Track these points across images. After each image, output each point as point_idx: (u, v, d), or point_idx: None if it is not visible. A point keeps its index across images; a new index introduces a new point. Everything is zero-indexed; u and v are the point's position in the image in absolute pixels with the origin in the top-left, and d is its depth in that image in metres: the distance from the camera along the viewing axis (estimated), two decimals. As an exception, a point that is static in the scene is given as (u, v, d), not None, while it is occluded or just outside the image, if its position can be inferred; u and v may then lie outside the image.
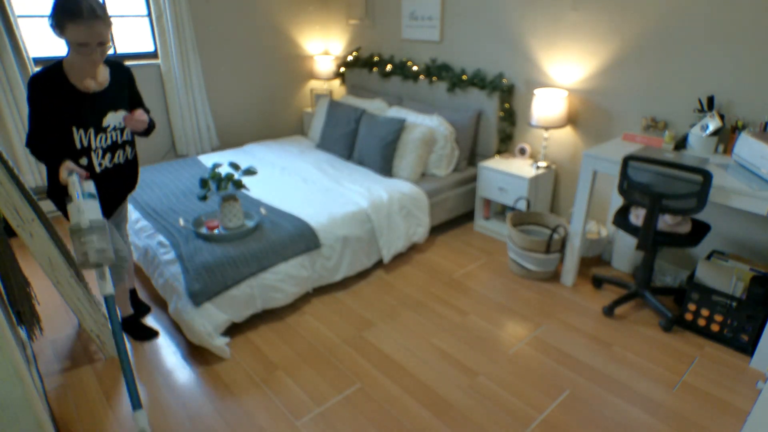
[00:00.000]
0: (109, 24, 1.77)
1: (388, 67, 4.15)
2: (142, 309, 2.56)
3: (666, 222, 2.35)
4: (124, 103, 2.02)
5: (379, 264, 3.07)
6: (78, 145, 1.90)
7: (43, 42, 3.47)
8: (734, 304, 2.26)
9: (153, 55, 3.93)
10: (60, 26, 1.70)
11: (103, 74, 1.94)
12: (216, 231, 2.51)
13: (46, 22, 1.66)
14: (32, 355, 2.17)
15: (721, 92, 2.47)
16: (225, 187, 2.45)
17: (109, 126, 1.96)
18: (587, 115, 3.06)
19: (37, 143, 1.82)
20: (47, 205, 3.61)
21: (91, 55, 1.77)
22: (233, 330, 2.43)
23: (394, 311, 2.61)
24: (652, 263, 2.52)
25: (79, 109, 1.86)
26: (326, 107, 4.10)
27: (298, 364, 2.22)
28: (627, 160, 2.26)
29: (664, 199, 2.18)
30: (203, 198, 2.44)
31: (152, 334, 2.39)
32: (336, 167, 3.53)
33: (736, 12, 2.33)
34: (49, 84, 1.80)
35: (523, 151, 3.43)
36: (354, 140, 3.69)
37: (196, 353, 2.28)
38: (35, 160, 3.43)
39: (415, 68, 3.93)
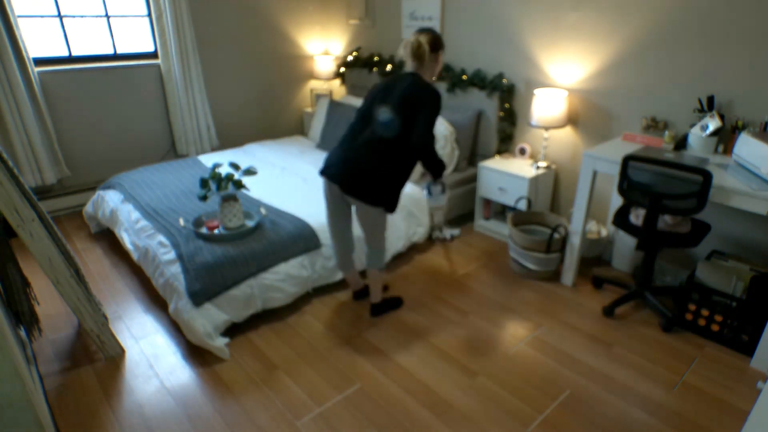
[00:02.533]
0: None
1: (388, 67, 4.15)
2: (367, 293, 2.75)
3: (666, 222, 2.35)
4: None
5: (379, 264, 3.07)
6: None
7: (43, 42, 3.48)
8: (734, 304, 2.26)
9: (153, 55, 3.93)
10: (443, 49, 2.26)
11: None
12: (216, 231, 2.51)
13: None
14: (32, 355, 2.18)
15: (721, 92, 2.47)
16: (225, 187, 2.45)
17: None
18: (587, 115, 3.06)
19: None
20: (47, 205, 3.62)
21: None
22: (233, 330, 2.43)
23: (394, 311, 2.60)
24: (652, 263, 2.52)
25: None
26: (326, 107, 4.10)
27: (298, 364, 2.22)
28: (627, 160, 2.26)
29: (664, 199, 2.18)
30: (203, 198, 2.44)
31: (400, 301, 2.64)
32: (336, 167, 3.52)
33: (736, 12, 2.33)
34: None
35: (523, 151, 3.43)
36: (354, 140, 3.68)
37: (196, 353, 2.28)
38: (35, 159, 3.43)
39: (415, 68, 3.93)
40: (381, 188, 2.16)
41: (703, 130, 2.42)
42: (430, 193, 2.43)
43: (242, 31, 4.31)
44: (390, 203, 2.22)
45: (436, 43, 2.19)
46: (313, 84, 5.00)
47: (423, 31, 2.19)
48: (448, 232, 3.41)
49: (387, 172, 2.15)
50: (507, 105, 3.42)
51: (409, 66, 2.22)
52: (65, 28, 3.50)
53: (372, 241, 2.36)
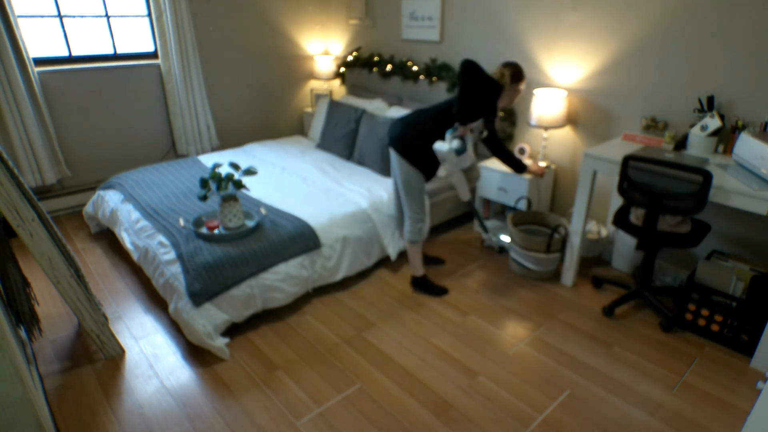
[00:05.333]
0: None
1: (388, 67, 4.15)
2: (435, 262, 3.07)
3: (666, 222, 2.35)
4: None
5: (379, 264, 3.07)
6: None
7: (43, 42, 3.48)
8: (734, 304, 2.26)
9: (153, 55, 3.93)
10: (523, 80, 2.56)
11: None
12: (216, 231, 2.51)
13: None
14: (32, 355, 2.18)
15: (721, 92, 2.47)
16: (225, 187, 2.45)
17: None
18: (587, 115, 3.06)
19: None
20: (47, 205, 3.62)
21: None
22: (233, 330, 2.43)
23: (394, 311, 2.61)
24: (652, 263, 2.52)
25: None
26: (326, 107, 4.10)
27: (298, 364, 2.22)
28: (627, 160, 2.26)
29: (664, 199, 2.18)
30: (203, 198, 2.44)
31: (443, 291, 2.76)
32: (336, 167, 3.53)
33: (736, 12, 2.33)
34: None
35: (522, 151, 3.43)
36: (354, 140, 3.68)
37: (196, 353, 2.28)
38: (35, 159, 3.43)
39: (415, 68, 3.93)
40: (413, 143, 2.48)
41: (703, 130, 2.42)
42: (455, 148, 2.43)
43: (242, 31, 4.31)
44: (420, 160, 2.49)
45: (516, 75, 2.50)
46: (313, 84, 5.00)
47: (507, 64, 2.50)
48: (497, 240, 3.17)
49: (422, 131, 2.49)
50: (507, 105, 3.42)
51: None
52: (65, 28, 3.50)
53: (409, 208, 2.60)
